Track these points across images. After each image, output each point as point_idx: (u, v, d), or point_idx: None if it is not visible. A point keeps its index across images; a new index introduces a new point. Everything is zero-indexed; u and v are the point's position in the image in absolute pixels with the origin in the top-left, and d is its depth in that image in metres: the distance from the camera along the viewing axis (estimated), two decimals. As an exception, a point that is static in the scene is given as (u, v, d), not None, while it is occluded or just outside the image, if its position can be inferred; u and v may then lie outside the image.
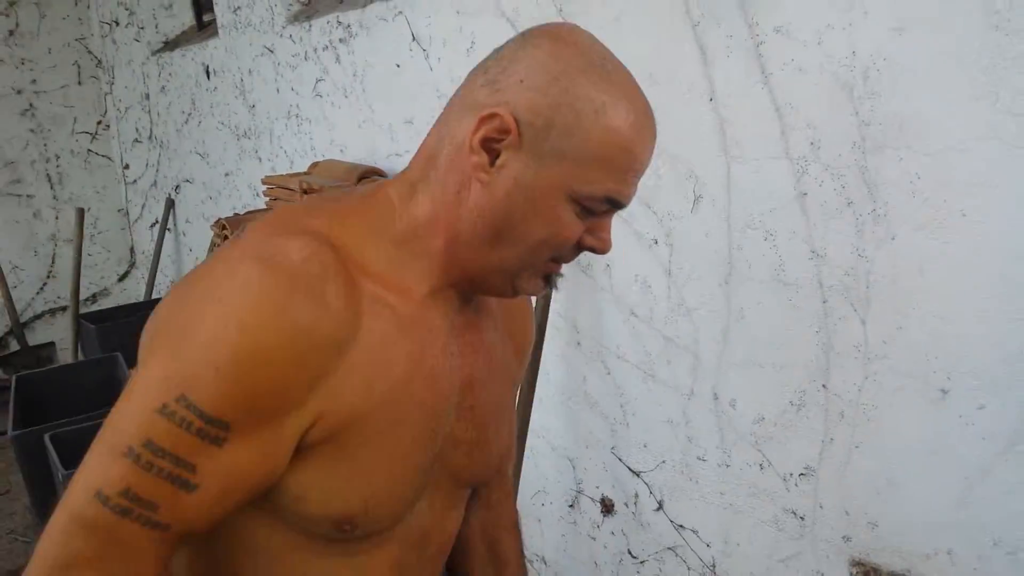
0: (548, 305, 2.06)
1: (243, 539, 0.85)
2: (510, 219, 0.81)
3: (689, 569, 1.91)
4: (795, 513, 1.64)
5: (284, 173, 3.29)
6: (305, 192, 2.89)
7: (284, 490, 0.80)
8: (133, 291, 5.31)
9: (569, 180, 0.79)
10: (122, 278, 5.33)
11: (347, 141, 3.01)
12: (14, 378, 2.69)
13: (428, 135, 0.89)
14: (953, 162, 1.30)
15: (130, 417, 0.72)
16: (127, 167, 5.16)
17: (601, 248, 0.86)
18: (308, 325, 0.73)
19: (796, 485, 1.64)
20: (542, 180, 0.80)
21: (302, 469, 0.79)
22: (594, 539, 2.16)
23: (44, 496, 2.23)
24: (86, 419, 2.29)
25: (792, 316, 1.58)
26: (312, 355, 0.75)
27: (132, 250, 5.34)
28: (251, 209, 3.29)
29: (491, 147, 0.80)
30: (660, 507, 1.94)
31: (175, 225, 4.67)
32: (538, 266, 0.86)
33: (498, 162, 0.80)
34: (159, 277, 4.72)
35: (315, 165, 3.18)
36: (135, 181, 5.09)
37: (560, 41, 0.81)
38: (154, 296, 4.62)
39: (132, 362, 2.50)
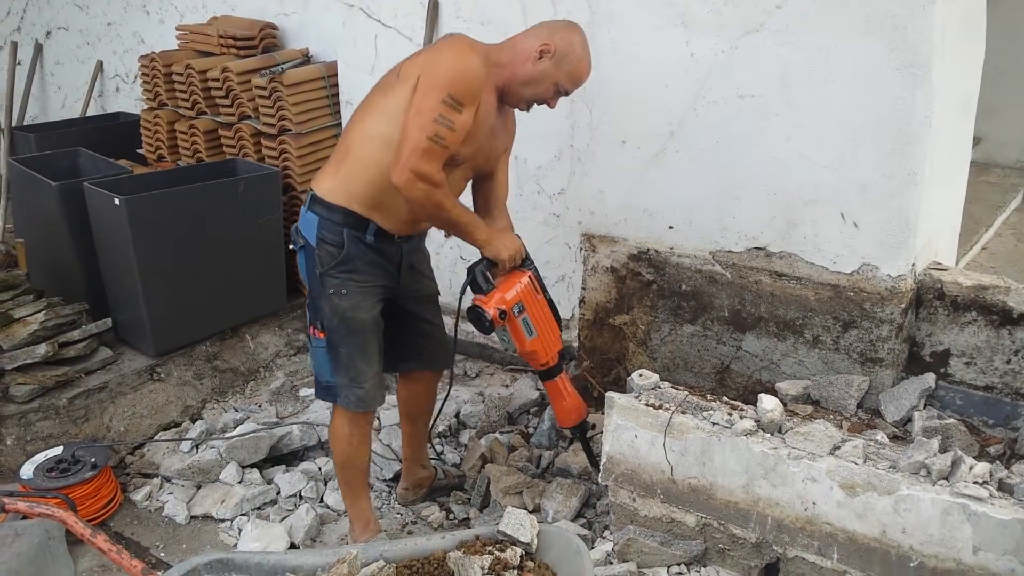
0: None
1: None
2: (534, 80, 2.21)
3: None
4: (555, 214, 3.19)
5: (186, 23, 4.28)
6: (221, 36, 3.97)
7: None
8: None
9: (558, 78, 2.22)
10: (-27, 114, 5.87)
11: (236, 1, 4.10)
12: (12, 159, 3.59)
13: (519, 35, 2.26)
14: None
15: (431, 106, 2.04)
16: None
17: (552, 106, 2.31)
18: (481, 69, 2.12)
19: (556, 200, 3.19)
20: (551, 73, 2.20)
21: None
22: (437, 253, 3.61)
23: (82, 232, 3.26)
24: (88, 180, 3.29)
25: (552, 114, 3.07)
26: (481, 81, 2.12)
27: (-17, 88, 5.88)
28: (163, 50, 4.26)
29: (542, 53, 2.18)
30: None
31: (42, 67, 5.37)
32: (530, 102, 2.28)
33: (542, 59, 2.18)
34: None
35: (214, 19, 4.23)
36: (-8, 26, 5.63)
37: (571, 26, 2.29)
38: (25, 123, 5.33)
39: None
